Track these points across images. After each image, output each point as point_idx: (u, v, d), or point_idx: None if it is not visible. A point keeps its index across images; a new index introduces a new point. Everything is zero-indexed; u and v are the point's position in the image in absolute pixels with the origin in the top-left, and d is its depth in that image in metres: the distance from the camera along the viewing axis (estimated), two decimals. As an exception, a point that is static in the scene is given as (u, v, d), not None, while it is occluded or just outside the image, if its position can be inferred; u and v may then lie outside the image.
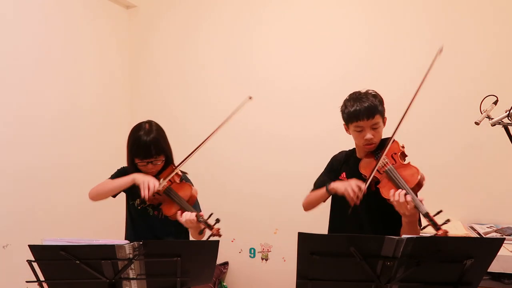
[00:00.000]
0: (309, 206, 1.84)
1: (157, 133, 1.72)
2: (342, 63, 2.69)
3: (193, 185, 1.83)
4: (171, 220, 1.76)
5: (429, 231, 1.40)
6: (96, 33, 2.86)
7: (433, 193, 2.48)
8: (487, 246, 1.19)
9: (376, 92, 1.64)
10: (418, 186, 1.49)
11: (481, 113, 1.50)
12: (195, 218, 1.58)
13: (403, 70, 2.56)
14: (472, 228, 2.38)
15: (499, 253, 1.18)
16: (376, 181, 1.56)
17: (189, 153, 1.73)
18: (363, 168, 1.63)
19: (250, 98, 1.80)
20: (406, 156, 1.65)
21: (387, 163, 1.56)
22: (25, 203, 2.26)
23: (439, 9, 2.48)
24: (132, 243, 1.25)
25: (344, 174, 1.75)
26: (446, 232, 1.34)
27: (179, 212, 1.64)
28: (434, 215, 1.36)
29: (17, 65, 2.22)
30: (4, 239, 2.14)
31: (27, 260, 1.25)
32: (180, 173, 1.80)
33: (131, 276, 1.32)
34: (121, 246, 1.25)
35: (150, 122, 1.77)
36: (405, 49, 2.56)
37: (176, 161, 1.80)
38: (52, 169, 2.45)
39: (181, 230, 1.82)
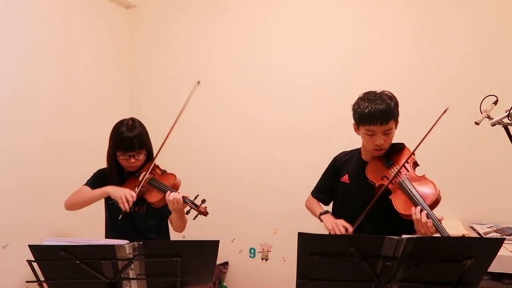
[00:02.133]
0: (309, 210, 1.88)
1: (140, 128, 1.79)
2: (345, 55, 2.67)
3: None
4: (152, 215, 1.82)
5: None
6: (96, 33, 2.86)
7: (433, 193, 2.50)
8: (487, 246, 1.19)
9: (392, 94, 1.56)
10: (436, 203, 1.42)
11: (481, 113, 1.50)
12: (181, 198, 1.63)
13: (406, 62, 2.55)
14: (472, 228, 2.38)
15: (499, 253, 1.19)
16: (387, 191, 1.50)
17: (160, 145, 1.75)
18: (371, 174, 1.56)
19: (198, 83, 1.80)
20: (418, 165, 1.59)
21: (400, 173, 1.49)
22: (25, 203, 2.26)
23: (439, 7, 2.48)
24: (132, 243, 1.25)
25: (346, 176, 1.70)
26: None
27: (167, 193, 1.68)
28: None
29: (16, 65, 2.22)
30: (4, 239, 2.14)
31: (27, 260, 1.25)
32: (160, 167, 1.86)
33: (131, 276, 1.32)
34: (121, 246, 1.25)
35: (132, 119, 1.83)
36: (406, 43, 2.55)
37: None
38: (52, 169, 2.45)
39: (161, 224, 1.88)
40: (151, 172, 1.77)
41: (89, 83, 2.79)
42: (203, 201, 1.67)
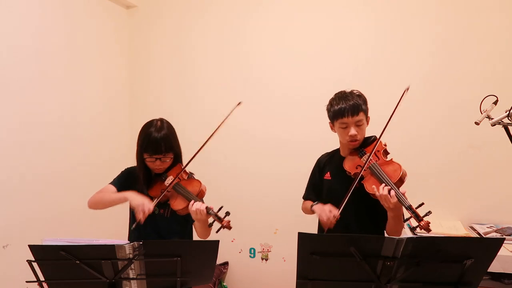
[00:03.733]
0: (306, 213, 1.95)
1: (168, 130, 1.72)
2: (340, 66, 2.69)
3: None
4: (177, 219, 1.76)
5: (413, 224, 1.47)
6: (96, 33, 2.86)
7: (434, 193, 2.50)
8: (487, 246, 1.19)
9: (360, 92, 1.73)
10: (400, 181, 1.56)
11: (481, 113, 1.50)
12: (204, 209, 1.57)
13: (400, 77, 2.57)
14: (472, 228, 2.38)
15: (499, 253, 1.19)
16: (360, 177, 1.63)
17: (194, 153, 1.73)
18: (347, 165, 1.70)
19: (239, 103, 1.82)
20: (388, 153, 1.72)
21: (370, 159, 1.63)
22: (25, 203, 2.26)
23: (439, 10, 2.48)
24: (132, 243, 1.25)
25: (328, 174, 1.82)
26: (428, 223, 1.40)
27: (190, 203, 1.62)
28: (416, 208, 1.43)
29: (16, 65, 2.22)
30: (4, 239, 2.14)
31: (27, 260, 1.25)
32: (187, 171, 1.80)
33: (131, 276, 1.32)
34: (121, 246, 1.25)
35: (161, 120, 1.77)
36: (402, 55, 2.56)
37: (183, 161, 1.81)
38: (52, 169, 2.45)
39: (186, 229, 1.82)
40: (177, 177, 1.71)
41: (89, 83, 2.79)
42: (227, 213, 1.59)
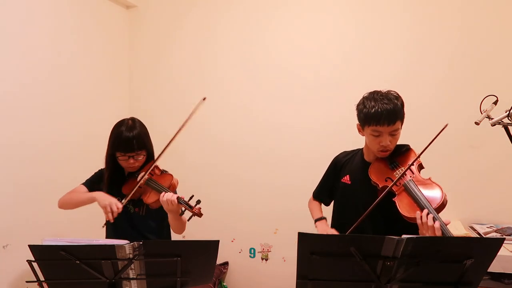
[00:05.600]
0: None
1: (140, 129, 1.74)
2: (347, 55, 2.68)
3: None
4: (152, 216, 1.79)
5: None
6: (96, 33, 2.86)
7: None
8: (487, 246, 1.18)
9: (397, 94, 1.51)
10: (442, 206, 1.39)
11: (481, 113, 1.50)
12: (175, 199, 1.60)
13: (408, 62, 2.55)
14: (472, 228, 2.38)
15: (499, 253, 1.18)
16: (390, 193, 1.46)
17: (162, 150, 1.74)
18: (374, 175, 1.52)
19: (204, 99, 1.77)
20: (423, 168, 1.56)
21: (405, 175, 1.46)
22: (25, 203, 2.26)
23: (439, 8, 2.48)
24: (132, 243, 1.25)
25: (348, 177, 1.67)
26: None
27: (161, 194, 1.65)
28: None
29: (15, 66, 2.22)
30: (4, 239, 2.14)
31: (27, 260, 1.25)
32: (160, 168, 1.83)
33: (131, 276, 1.32)
34: (121, 246, 1.25)
35: (133, 119, 1.79)
36: (408, 43, 2.56)
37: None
38: (52, 169, 2.45)
39: (163, 226, 1.85)
40: (149, 173, 1.74)
41: (89, 83, 2.79)
42: (198, 201, 1.63)
